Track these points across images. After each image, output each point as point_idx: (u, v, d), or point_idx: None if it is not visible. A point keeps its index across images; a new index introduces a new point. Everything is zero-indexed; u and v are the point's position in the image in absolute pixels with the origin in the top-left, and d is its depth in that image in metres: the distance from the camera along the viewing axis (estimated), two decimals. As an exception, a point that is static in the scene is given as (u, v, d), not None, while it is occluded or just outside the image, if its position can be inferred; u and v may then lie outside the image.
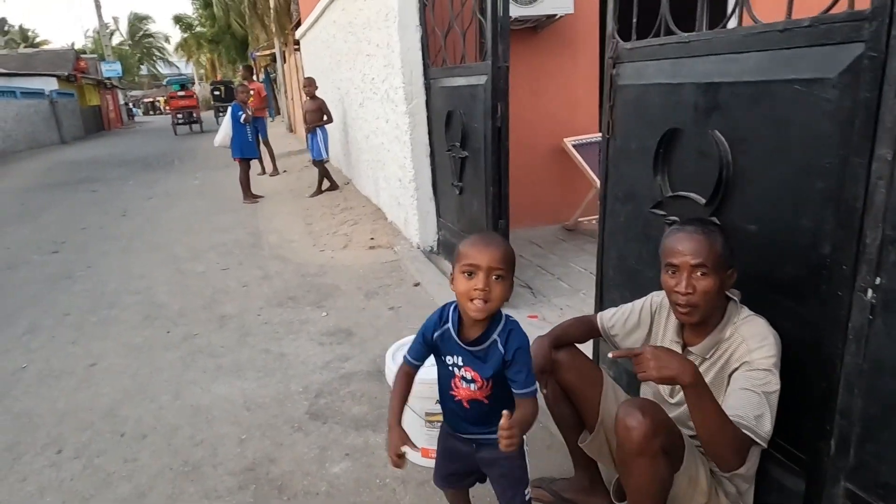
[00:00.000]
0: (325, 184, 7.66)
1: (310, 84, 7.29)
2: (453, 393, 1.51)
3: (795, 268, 1.52)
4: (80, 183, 10.44)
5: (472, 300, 1.35)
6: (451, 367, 1.50)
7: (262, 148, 9.74)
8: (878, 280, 1.32)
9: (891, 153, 1.25)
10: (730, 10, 1.75)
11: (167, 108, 36.63)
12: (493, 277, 1.34)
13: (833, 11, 1.37)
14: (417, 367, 1.59)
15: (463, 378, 1.47)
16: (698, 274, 1.48)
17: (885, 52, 1.22)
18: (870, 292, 1.34)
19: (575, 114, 5.16)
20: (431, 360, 2.23)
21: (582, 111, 5.17)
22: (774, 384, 1.42)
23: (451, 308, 1.49)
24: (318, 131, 7.26)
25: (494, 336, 1.43)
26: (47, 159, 15.41)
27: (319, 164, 7.49)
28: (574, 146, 4.98)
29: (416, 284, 4.08)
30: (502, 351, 1.42)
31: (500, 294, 1.36)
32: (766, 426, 1.37)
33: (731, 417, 1.34)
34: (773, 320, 1.53)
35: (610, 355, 1.48)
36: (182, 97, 22.30)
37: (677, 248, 1.51)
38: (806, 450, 1.57)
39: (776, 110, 1.52)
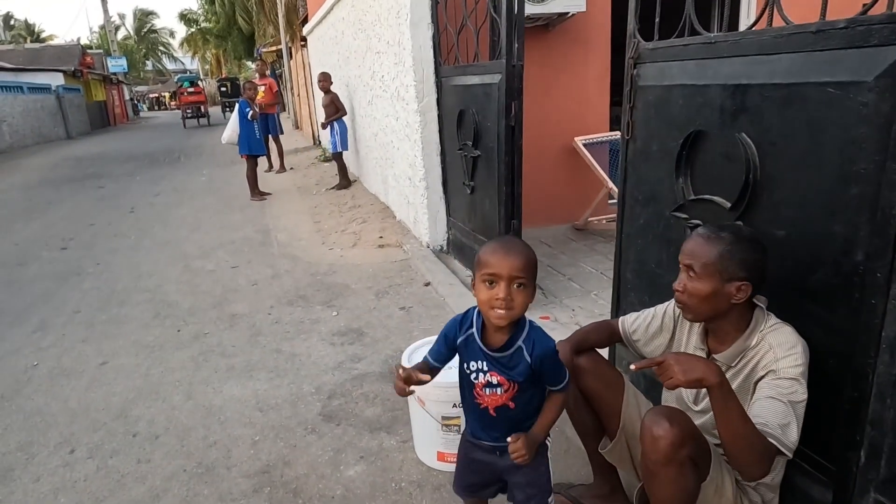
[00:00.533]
0: (334, 181, 7.71)
1: (324, 79, 7.32)
2: (478, 402, 1.49)
3: (826, 275, 1.49)
4: (86, 179, 10.45)
5: (493, 309, 1.34)
6: (473, 374, 1.47)
7: (272, 144, 9.75)
8: (914, 289, 1.29)
9: (931, 159, 1.22)
10: (758, 10, 1.71)
11: (173, 103, 38.05)
12: (515, 286, 1.33)
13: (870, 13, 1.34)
14: (437, 370, 1.58)
15: (488, 384, 1.45)
16: (690, 274, 1.50)
17: (928, 55, 1.19)
18: (905, 301, 1.31)
19: (586, 112, 5.12)
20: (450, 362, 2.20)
21: (593, 110, 5.13)
22: (801, 394, 1.40)
23: (475, 313, 1.47)
24: (336, 125, 7.32)
25: (519, 343, 1.42)
26: (54, 154, 15.44)
27: (337, 157, 7.59)
28: (584, 145, 4.94)
29: (427, 284, 4.05)
30: (528, 360, 1.41)
31: (522, 302, 1.35)
32: (793, 436, 1.35)
33: (756, 425, 1.32)
34: (802, 328, 1.50)
35: (632, 367, 1.45)
36: (192, 93, 23.63)
37: (684, 249, 1.54)
38: (834, 460, 1.54)
39: (808, 113, 1.49)
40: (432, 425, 2.08)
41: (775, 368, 1.43)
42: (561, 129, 5.05)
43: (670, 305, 1.77)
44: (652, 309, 1.81)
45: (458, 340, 1.48)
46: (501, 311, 1.33)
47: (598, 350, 1.85)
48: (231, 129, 7.35)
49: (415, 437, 2.24)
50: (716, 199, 1.81)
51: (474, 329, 1.45)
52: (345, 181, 7.70)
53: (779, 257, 1.61)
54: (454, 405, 2.02)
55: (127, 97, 37.08)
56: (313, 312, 3.71)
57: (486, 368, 1.45)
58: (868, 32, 1.32)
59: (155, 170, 11.17)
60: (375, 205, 6.45)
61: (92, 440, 2.48)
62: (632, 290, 2.37)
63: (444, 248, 4.66)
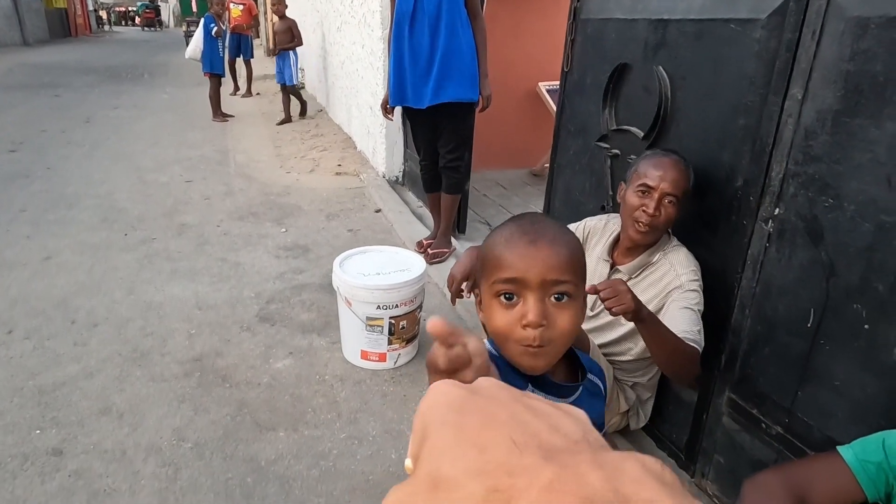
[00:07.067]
0: (273, 114, 7.40)
1: (279, 2, 6.96)
2: None
3: (713, 200, 1.65)
4: (42, 87, 9.99)
5: (518, 341, 0.82)
6: None
7: (241, 67, 9.46)
8: (776, 211, 1.45)
9: (801, 92, 1.36)
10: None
11: (139, 20, 41.75)
12: (553, 297, 0.81)
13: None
14: None
15: None
16: (666, 202, 1.57)
17: (808, -7, 1.31)
18: (770, 222, 1.47)
19: (554, 58, 5.07)
20: (376, 268, 2.32)
21: (561, 56, 5.15)
22: (702, 303, 1.56)
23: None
24: (291, 54, 7.01)
25: (588, 377, 0.95)
26: (7, 60, 14.61)
27: (292, 89, 7.25)
28: (548, 91, 5.00)
29: (377, 211, 4.15)
30: (599, 383, 0.98)
31: (568, 322, 0.82)
32: (703, 339, 1.50)
33: (680, 335, 1.43)
34: (691, 249, 1.67)
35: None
36: (147, 12, 39.98)
37: (656, 173, 1.57)
38: (703, 366, 1.74)
39: (714, 49, 1.61)
40: (357, 325, 2.23)
41: (680, 284, 1.59)
42: (527, 74, 5.08)
43: (581, 225, 1.91)
44: (569, 225, 1.95)
45: None
46: (534, 349, 0.80)
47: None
48: (195, 44, 7.11)
49: (342, 338, 2.39)
50: (632, 129, 1.94)
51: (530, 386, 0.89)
52: (300, 112, 7.42)
53: (677, 184, 1.75)
54: (378, 307, 2.17)
55: (90, 8, 34.94)
56: (262, 228, 3.78)
57: None
58: (767, -29, 1.43)
59: (116, 85, 10.74)
60: (338, 135, 6.43)
61: (30, 324, 2.55)
62: (559, 218, 2.51)
63: (400, 179, 4.73)
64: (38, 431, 1.91)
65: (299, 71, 8.78)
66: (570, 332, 0.82)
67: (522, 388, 0.82)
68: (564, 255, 0.81)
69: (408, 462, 0.28)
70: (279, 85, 7.27)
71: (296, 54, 7.06)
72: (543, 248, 0.80)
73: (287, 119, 7.30)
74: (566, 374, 0.94)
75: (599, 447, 0.25)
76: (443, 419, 0.27)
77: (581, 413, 0.29)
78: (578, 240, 0.89)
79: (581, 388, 0.92)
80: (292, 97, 7.36)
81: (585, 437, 0.26)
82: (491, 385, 0.30)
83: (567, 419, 0.27)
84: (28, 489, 1.68)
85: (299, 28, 7.07)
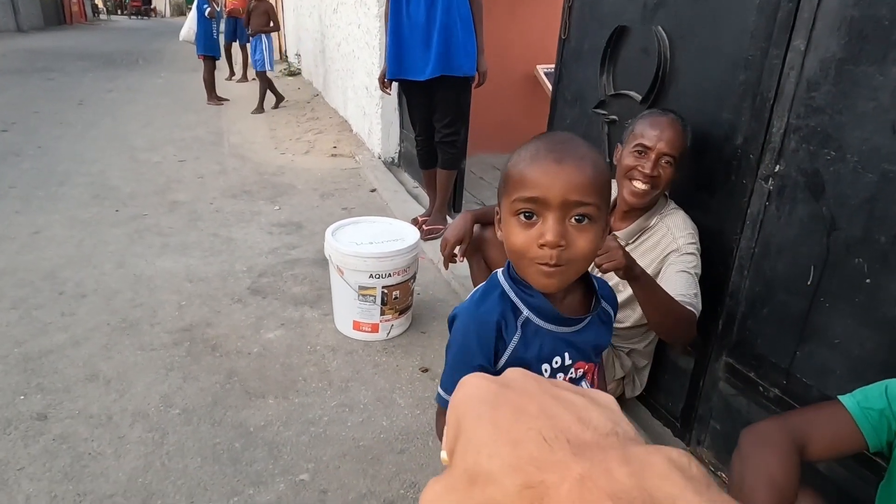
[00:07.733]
0: (271, 100, 6.99)
1: None
2: None
3: (712, 161, 1.61)
4: (35, 71, 9.88)
5: (536, 261, 0.80)
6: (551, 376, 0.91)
7: (237, 51, 9.36)
8: (777, 168, 1.42)
9: (804, 43, 1.32)
10: None
11: (133, 6, 41.25)
12: (573, 219, 0.78)
13: None
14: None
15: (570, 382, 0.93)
16: (663, 162, 1.53)
17: (812, -61, 1.27)
18: (770, 180, 1.44)
19: (552, 41, 5.08)
20: (369, 237, 2.30)
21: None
22: (699, 267, 1.53)
23: (505, 283, 0.90)
24: (264, 38, 6.66)
25: (602, 305, 0.94)
26: (1, 46, 14.47)
27: (262, 75, 6.78)
28: (546, 74, 4.95)
29: (373, 190, 4.11)
30: (610, 311, 0.97)
31: (586, 245, 0.80)
32: (700, 302, 1.46)
33: (676, 298, 1.39)
34: (687, 212, 1.63)
35: None
36: (135, 2, 39.30)
37: (653, 133, 1.52)
38: (699, 331, 1.71)
39: (714, 4, 1.57)
40: (350, 295, 2.19)
41: (677, 247, 1.55)
42: (525, 56, 5.02)
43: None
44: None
45: (512, 343, 0.88)
46: (549, 268, 0.79)
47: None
48: (188, 26, 7.02)
49: (334, 308, 2.35)
50: (631, 93, 1.90)
51: (529, 312, 0.88)
52: (260, 106, 6.83)
53: (675, 146, 1.72)
54: (370, 275, 2.13)
55: (86, -5, 34.60)
56: (256, 206, 3.73)
57: (569, 362, 0.91)
58: (770, -80, 1.39)
59: (110, 70, 10.63)
60: (334, 118, 6.37)
61: (17, 294, 2.51)
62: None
63: (396, 160, 4.68)
64: (22, 397, 1.87)
65: (296, 57, 8.65)
66: (588, 255, 0.80)
67: (559, 340, 0.88)
68: (589, 176, 0.77)
69: (443, 454, 0.29)
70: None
71: (269, 39, 6.76)
72: (568, 167, 0.77)
73: (260, 108, 6.83)
74: (581, 298, 0.93)
75: (629, 440, 0.25)
76: (477, 413, 0.27)
77: (609, 399, 0.29)
78: (605, 162, 0.84)
79: (587, 320, 0.90)
80: (272, 81, 6.99)
81: (615, 429, 0.26)
82: (520, 376, 0.30)
83: (596, 410, 0.27)
84: (10, 452, 1.64)
85: (291, 13, 6.91)
